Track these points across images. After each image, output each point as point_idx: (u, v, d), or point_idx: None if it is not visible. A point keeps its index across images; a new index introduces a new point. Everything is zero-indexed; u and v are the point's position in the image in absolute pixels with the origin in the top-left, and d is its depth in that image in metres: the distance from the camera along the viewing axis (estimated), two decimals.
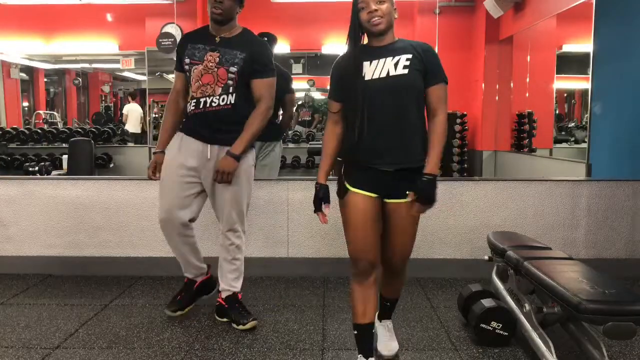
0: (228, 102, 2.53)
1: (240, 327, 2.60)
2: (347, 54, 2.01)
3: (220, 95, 2.52)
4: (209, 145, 2.55)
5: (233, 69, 2.52)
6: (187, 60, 2.56)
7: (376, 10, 1.92)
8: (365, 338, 2.06)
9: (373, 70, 1.95)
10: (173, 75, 2.78)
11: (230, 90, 2.53)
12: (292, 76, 4.16)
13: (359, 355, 2.07)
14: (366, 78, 1.95)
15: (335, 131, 2.07)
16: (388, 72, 1.93)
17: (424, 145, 1.97)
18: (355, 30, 1.98)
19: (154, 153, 2.71)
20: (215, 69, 2.51)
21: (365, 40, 2.03)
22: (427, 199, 1.91)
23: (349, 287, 2.09)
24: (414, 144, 1.96)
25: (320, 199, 2.03)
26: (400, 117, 1.94)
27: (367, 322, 2.04)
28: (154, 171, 2.68)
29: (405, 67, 1.93)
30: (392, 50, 1.97)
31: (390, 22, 1.97)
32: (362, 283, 2.02)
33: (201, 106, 2.53)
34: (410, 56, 1.94)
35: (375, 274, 2.04)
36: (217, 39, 2.56)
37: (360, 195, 1.98)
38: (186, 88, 2.65)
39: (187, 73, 2.58)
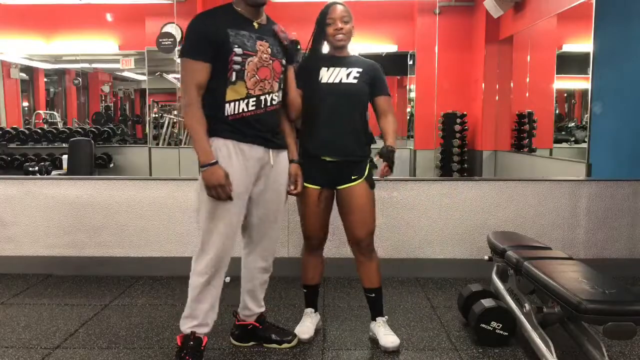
0: (280, 100, 2.27)
1: (285, 345, 2.43)
2: (310, 58, 2.39)
3: (277, 91, 2.23)
4: (270, 150, 2.22)
5: (284, 61, 2.25)
6: (238, 51, 2.06)
7: (341, 28, 2.31)
8: (312, 295, 2.59)
9: (329, 75, 2.34)
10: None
11: (281, 86, 2.27)
12: None
13: (307, 309, 2.58)
14: (322, 81, 2.33)
15: None
16: (340, 79, 2.33)
17: (366, 144, 2.39)
18: (319, 39, 2.37)
19: (209, 165, 2.03)
20: (270, 62, 2.16)
21: (326, 48, 2.41)
22: (390, 161, 2.29)
23: (302, 257, 2.55)
24: (357, 141, 2.36)
25: None
26: (345, 117, 2.33)
27: (315, 284, 2.56)
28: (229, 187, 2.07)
29: (355, 78, 2.34)
30: (347, 62, 2.37)
31: (350, 39, 2.35)
32: (313, 254, 2.52)
33: (262, 105, 2.15)
34: (360, 70, 2.36)
35: (323, 248, 2.52)
36: (256, 25, 2.17)
37: (309, 189, 2.36)
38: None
39: (236, 66, 2.07)
